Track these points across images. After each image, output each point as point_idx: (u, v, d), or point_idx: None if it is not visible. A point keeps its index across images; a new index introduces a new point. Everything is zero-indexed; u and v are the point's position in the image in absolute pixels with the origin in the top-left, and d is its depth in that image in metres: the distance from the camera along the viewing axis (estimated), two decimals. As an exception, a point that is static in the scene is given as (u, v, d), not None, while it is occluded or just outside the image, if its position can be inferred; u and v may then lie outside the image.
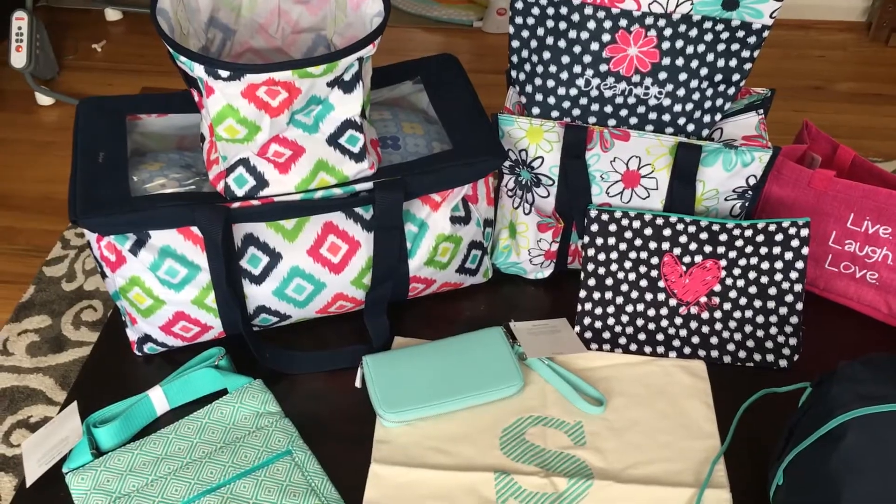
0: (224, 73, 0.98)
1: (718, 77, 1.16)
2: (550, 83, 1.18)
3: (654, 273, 1.22)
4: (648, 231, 1.22)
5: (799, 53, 2.31)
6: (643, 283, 1.23)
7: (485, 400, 1.16)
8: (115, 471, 1.06)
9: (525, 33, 1.17)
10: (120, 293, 1.14)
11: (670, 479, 1.08)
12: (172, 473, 1.06)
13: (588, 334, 1.24)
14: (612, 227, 1.23)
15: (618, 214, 1.22)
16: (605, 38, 1.14)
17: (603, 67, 1.16)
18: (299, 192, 1.11)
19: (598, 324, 1.24)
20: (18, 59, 2.01)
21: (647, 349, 1.23)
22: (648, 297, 1.23)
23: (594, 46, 1.15)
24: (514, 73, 1.21)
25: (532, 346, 1.21)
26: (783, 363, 1.21)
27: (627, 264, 1.23)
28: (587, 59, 1.16)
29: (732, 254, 1.21)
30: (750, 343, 1.21)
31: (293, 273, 1.16)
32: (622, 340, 1.23)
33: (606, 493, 1.07)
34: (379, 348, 1.22)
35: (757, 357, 1.21)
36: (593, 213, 1.23)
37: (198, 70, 0.99)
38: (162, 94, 1.26)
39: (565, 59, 1.16)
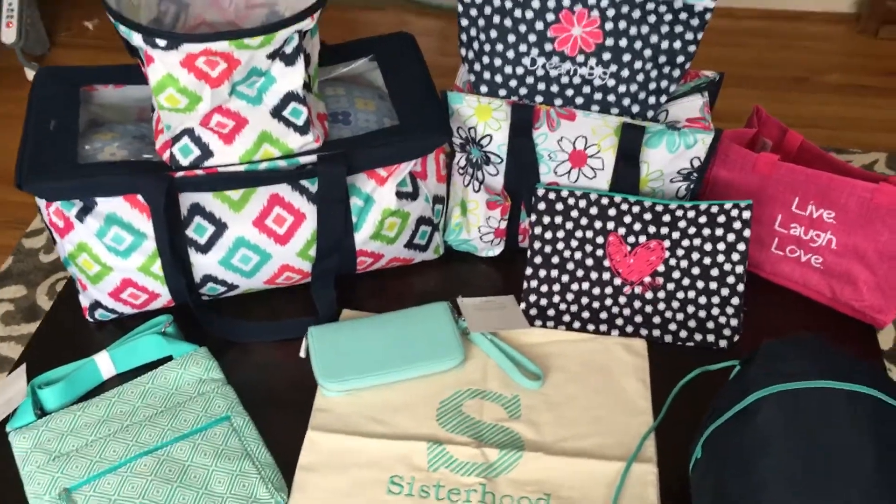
0: (161, 42, 1.00)
1: (662, 59, 1.17)
2: (497, 62, 1.20)
3: (599, 252, 1.24)
4: (594, 210, 1.23)
5: (784, 43, 2.30)
6: (589, 262, 1.24)
7: (424, 372, 1.17)
8: (56, 431, 1.09)
9: (473, 11, 1.19)
10: (69, 259, 1.17)
11: (600, 453, 1.10)
12: (112, 435, 1.09)
13: (533, 311, 1.25)
14: (559, 206, 1.24)
15: (564, 193, 1.24)
16: (550, 17, 1.15)
17: (548, 47, 1.17)
18: (244, 164, 1.13)
19: (543, 301, 1.25)
20: (9, 34, 2.05)
21: (591, 327, 1.24)
22: (594, 275, 1.24)
23: (539, 26, 1.16)
24: (463, 52, 1.23)
25: (476, 321, 1.23)
26: (723, 343, 1.21)
27: (573, 243, 1.24)
28: (532, 38, 1.17)
29: (676, 234, 1.22)
30: (692, 323, 1.22)
31: (238, 243, 1.18)
32: (566, 318, 1.24)
33: (535, 464, 1.08)
34: (326, 320, 1.24)
35: (698, 337, 1.22)
36: (541, 192, 1.24)
37: (136, 39, 1.01)
38: (122, 66, 1.28)
39: (511, 38, 1.18)
